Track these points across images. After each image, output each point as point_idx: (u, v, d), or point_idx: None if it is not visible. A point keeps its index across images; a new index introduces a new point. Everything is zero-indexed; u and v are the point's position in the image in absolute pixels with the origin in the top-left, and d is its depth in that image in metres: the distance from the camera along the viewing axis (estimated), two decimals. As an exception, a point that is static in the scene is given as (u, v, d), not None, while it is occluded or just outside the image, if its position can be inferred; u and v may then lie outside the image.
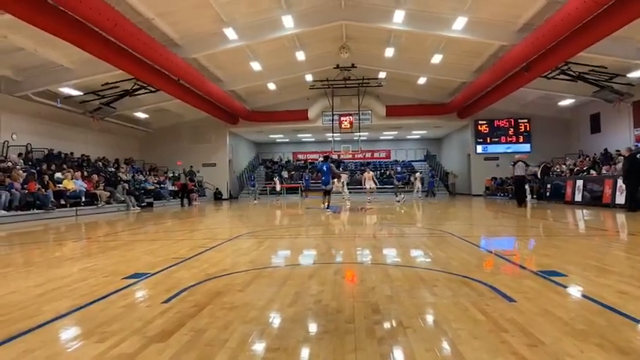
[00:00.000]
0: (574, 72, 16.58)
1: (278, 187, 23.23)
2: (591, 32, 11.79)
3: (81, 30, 11.35)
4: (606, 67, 16.13)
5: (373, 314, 2.76)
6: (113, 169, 20.35)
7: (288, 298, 3.22)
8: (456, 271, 4.06)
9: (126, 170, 20.89)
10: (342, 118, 25.91)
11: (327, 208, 13.41)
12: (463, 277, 3.76)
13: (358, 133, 26.34)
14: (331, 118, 25.74)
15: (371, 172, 19.97)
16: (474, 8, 14.38)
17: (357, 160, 34.18)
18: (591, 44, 12.56)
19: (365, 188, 19.70)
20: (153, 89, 17.92)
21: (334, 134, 26.26)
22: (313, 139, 35.09)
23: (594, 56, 14.95)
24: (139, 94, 18.62)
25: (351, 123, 25.90)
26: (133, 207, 17.05)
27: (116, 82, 17.43)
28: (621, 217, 10.19)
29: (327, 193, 14.01)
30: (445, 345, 2.26)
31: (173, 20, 14.71)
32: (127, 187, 17.99)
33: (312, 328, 2.58)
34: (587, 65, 16.02)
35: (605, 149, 18.82)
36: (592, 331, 2.35)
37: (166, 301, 3.14)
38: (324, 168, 14.05)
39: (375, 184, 20.12)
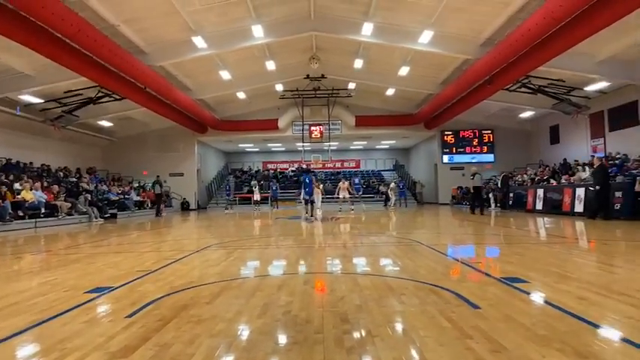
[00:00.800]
0: (534, 85, 17.27)
1: (258, 197, 22.85)
2: (550, 47, 12.33)
3: (42, 36, 10.97)
4: (564, 81, 16.88)
5: (342, 324, 2.77)
6: (75, 179, 19.66)
7: (256, 309, 3.19)
8: (423, 279, 4.12)
9: (88, 180, 20.22)
10: (312, 128, 26.02)
11: (311, 217, 14.40)
12: (430, 285, 3.82)
13: (328, 143, 26.49)
14: (301, 127, 25.79)
15: (346, 183, 20.61)
16: (439, 23, 14.80)
17: (327, 170, 34.31)
18: (550, 59, 13.12)
19: (339, 198, 20.03)
20: (118, 97, 17.48)
21: (304, 144, 26.32)
22: (283, 149, 35.02)
23: (553, 70, 15.63)
24: (103, 102, 18.11)
25: (321, 133, 26.04)
26: (96, 218, 16.50)
27: (79, 90, 16.90)
28: (580, 224, 10.62)
29: (311, 203, 14.81)
30: (412, 353, 2.28)
31: (140, 27, 14.45)
32: (89, 198, 17.39)
33: (281, 339, 2.56)
34: (547, 79, 16.73)
35: (565, 159, 19.63)
36: (553, 337, 2.43)
37: (130, 316, 3.05)
38: (307, 180, 14.82)
39: (350, 193, 20.46)
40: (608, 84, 16.56)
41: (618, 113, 17.34)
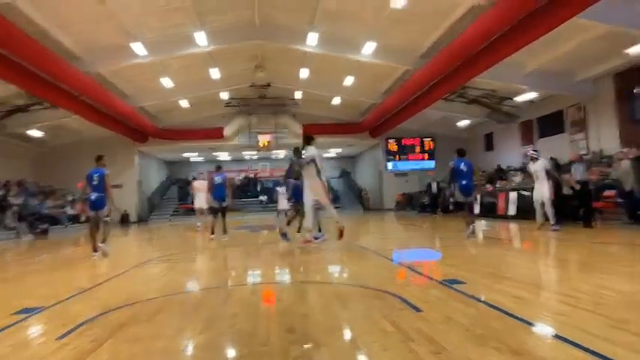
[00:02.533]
0: (470, 95, 18.24)
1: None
2: (484, 59, 13.05)
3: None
4: (496, 91, 17.96)
5: (288, 334, 2.74)
6: (2, 193, 18.19)
7: (199, 324, 3.09)
8: (368, 284, 4.18)
9: (17, 193, 18.78)
10: (259, 137, 25.82)
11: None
12: (375, 290, 3.88)
13: (276, 151, 26.38)
14: (247, 136, 25.52)
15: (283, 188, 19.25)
16: (381, 34, 15.23)
17: (275, 179, 34.13)
18: (483, 70, 13.89)
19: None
20: (49, 105, 16.44)
21: (251, 153, 26.03)
22: (230, 158, 34.43)
23: (487, 81, 16.56)
24: (33, 110, 16.97)
25: (268, 142, 25.90)
26: (25, 234, 15.35)
27: (6, 97, 15.74)
28: (514, 227, 11.26)
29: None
30: (358, 359, 2.30)
31: (73, 31, 13.68)
32: (18, 212, 16.14)
33: (225, 354, 2.49)
34: (481, 89, 17.72)
35: (499, 165, 20.79)
36: (490, 335, 2.54)
37: (61, 337, 2.85)
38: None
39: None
40: (536, 94, 17.78)
41: (546, 121, 18.64)
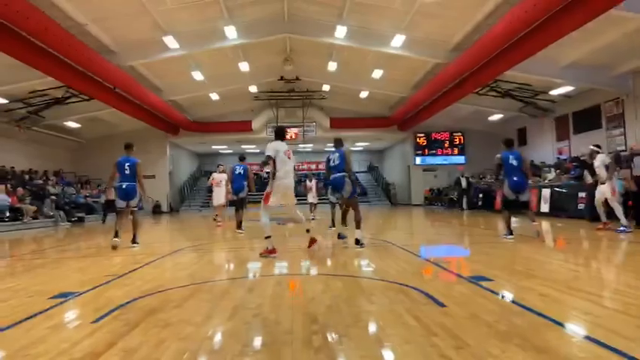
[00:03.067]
0: (502, 89, 17.77)
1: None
2: (517, 52, 12.69)
3: (6, 34, 10.58)
4: (531, 85, 17.44)
5: (311, 324, 2.79)
6: (41, 182, 19.02)
7: (226, 312, 3.18)
8: (393, 279, 4.19)
9: (55, 183, 19.60)
10: (287, 130, 25.97)
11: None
12: (399, 285, 3.89)
13: (303, 145, 26.48)
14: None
15: (313, 182, 16.15)
16: (410, 27, 15.05)
17: (302, 172, 34.32)
18: (516, 63, 13.51)
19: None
20: (86, 97, 17.03)
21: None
22: (257, 151, 34.80)
23: (520, 74, 16.11)
24: (70, 103, 17.61)
25: (295, 134, 26.04)
26: (63, 222, 16.01)
27: (45, 90, 16.39)
28: (546, 224, 10.97)
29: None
30: (379, 351, 2.33)
31: (108, 26, 14.11)
32: (55, 201, 16.86)
33: (249, 341, 2.56)
34: (514, 83, 17.25)
35: (532, 161, 20.22)
36: (514, 332, 2.52)
37: (96, 321, 2.99)
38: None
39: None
40: (572, 88, 17.19)
41: (582, 116, 17.99)
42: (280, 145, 6.02)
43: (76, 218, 17.38)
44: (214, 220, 13.16)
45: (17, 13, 9.94)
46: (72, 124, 22.28)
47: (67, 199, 18.33)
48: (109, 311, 3.23)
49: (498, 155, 7.62)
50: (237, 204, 10.31)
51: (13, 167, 18.58)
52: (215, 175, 13.52)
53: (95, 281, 4.46)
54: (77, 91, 16.42)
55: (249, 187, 10.32)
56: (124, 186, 7.42)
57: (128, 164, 7.47)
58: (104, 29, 14.18)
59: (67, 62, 13.06)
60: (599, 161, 8.46)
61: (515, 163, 7.29)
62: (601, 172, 8.41)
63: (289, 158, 6.07)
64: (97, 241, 9.91)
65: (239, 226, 10.00)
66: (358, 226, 6.92)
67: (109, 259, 6.37)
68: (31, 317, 3.14)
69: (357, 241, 6.75)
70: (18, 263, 6.58)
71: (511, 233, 7.39)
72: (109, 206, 16.41)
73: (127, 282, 4.45)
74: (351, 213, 7.66)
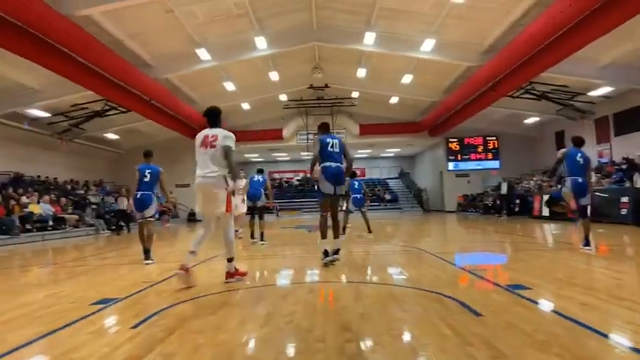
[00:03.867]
0: (538, 91, 17.26)
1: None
2: (553, 53, 12.33)
3: (49, 51, 11.16)
4: (568, 87, 16.87)
5: (344, 332, 2.78)
6: (82, 192, 19.82)
7: (259, 319, 3.21)
8: (426, 287, 4.13)
9: (95, 192, 20.38)
10: (316, 137, 26.07)
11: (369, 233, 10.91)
12: (433, 293, 3.83)
13: (332, 152, 26.47)
14: (306, 137, 25.90)
15: None
16: (441, 31, 14.90)
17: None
18: (553, 65, 13.11)
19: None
20: (124, 110, 17.69)
21: (309, 153, 26.39)
22: (288, 158, 35.12)
23: (557, 76, 15.63)
24: (109, 115, 18.33)
25: (325, 142, 26.08)
26: (103, 230, 16.60)
27: (85, 103, 17.13)
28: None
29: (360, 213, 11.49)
30: (413, 361, 2.30)
31: (144, 41, 14.66)
32: (96, 210, 17.52)
33: (283, 348, 2.58)
34: (550, 85, 16.73)
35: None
36: (553, 342, 2.44)
37: (135, 326, 3.09)
38: (356, 185, 11.22)
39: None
40: (612, 89, 16.52)
41: (624, 118, 17.24)
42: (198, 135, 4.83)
43: (115, 227, 17.97)
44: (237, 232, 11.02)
45: (59, 32, 10.48)
46: (111, 136, 23.20)
47: (106, 208, 18.99)
48: (147, 317, 3.33)
49: (563, 150, 6.78)
50: (254, 212, 9.73)
51: (55, 178, 19.46)
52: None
53: (134, 288, 4.60)
54: (116, 104, 17.09)
55: (268, 197, 9.79)
56: (138, 195, 6.98)
57: (149, 171, 7.07)
58: (141, 44, 14.73)
59: (106, 76, 13.64)
60: None
61: (581, 161, 6.51)
62: None
63: (206, 147, 4.66)
64: (135, 249, 10.22)
65: (252, 234, 9.62)
66: (338, 234, 6.16)
67: (146, 266, 6.55)
68: (73, 323, 3.26)
69: (337, 251, 5.89)
70: (61, 270, 6.86)
71: (588, 244, 6.46)
72: (121, 217, 16.53)
73: (163, 289, 4.57)
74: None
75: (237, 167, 5.06)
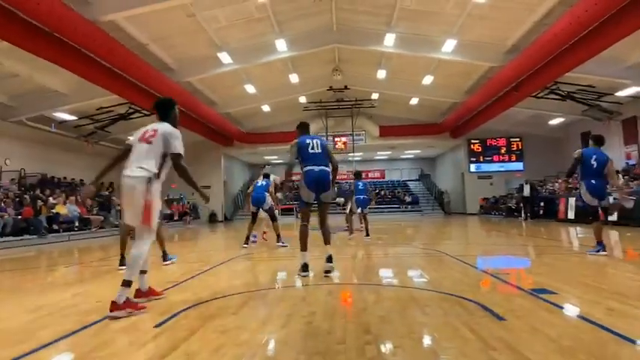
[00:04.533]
0: (563, 91, 16.89)
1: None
2: (578, 53, 12.05)
3: (76, 56, 11.49)
4: (594, 87, 16.46)
5: (364, 335, 2.78)
6: (107, 193, 20.27)
7: (280, 319, 3.23)
8: (448, 290, 4.08)
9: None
10: (336, 139, 26.13)
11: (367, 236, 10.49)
12: (455, 297, 3.79)
13: (352, 154, 26.51)
14: (325, 139, 25.91)
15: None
16: (462, 31, 14.74)
17: (350, 181, 34.32)
18: (578, 64, 12.82)
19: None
20: (147, 112, 18.04)
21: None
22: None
23: (582, 76, 15.27)
24: (133, 118, 18.73)
25: (345, 144, 26.11)
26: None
27: (110, 107, 17.56)
28: (614, 234, 10.26)
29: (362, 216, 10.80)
30: (434, 364, 2.28)
31: (167, 45, 14.95)
32: (120, 211, 17.87)
33: (303, 349, 2.59)
34: (576, 85, 16.35)
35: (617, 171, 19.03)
36: (579, 348, 2.39)
37: (159, 325, 3.15)
38: (360, 186, 10.68)
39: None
40: (640, 89, 16.06)
41: (652, 118, 16.75)
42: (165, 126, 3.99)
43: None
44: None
45: (85, 37, 10.78)
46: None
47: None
48: (170, 316, 3.39)
49: (580, 150, 6.58)
50: (254, 216, 9.37)
51: (82, 180, 19.97)
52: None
53: (157, 287, 4.67)
54: (139, 107, 17.44)
55: (273, 201, 9.41)
56: None
57: None
58: (164, 48, 15.03)
59: (130, 80, 13.95)
60: None
61: (594, 164, 6.30)
62: None
63: (141, 141, 3.94)
64: (158, 250, 10.38)
65: (247, 240, 9.24)
66: (328, 241, 5.54)
67: (169, 266, 6.67)
68: (99, 321, 3.34)
69: (329, 258, 5.33)
70: (87, 270, 7.04)
71: (604, 249, 6.28)
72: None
73: (186, 288, 4.65)
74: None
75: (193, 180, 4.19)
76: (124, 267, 6.30)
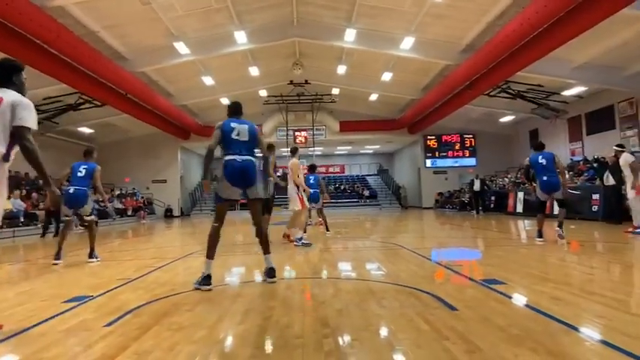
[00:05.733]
0: (513, 90, 17.64)
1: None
2: (528, 53, 12.59)
3: (20, 42, 10.79)
4: (542, 86, 17.29)
5: (322, 328, 2.79)
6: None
7: (237, 316, 3.19)
8: (404, 282, 4.17)
9: (67, 187, 19.84)
10: (296, 134, 26.06)
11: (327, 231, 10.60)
12: (410, 289, 3.87)
13: (312, 148, 26.54)
14: (285, 133, 25.81)
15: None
16: (420, 29, 15.04)
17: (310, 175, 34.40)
18: (528, 64, 13.40)
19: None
20: (99, 103, 17.27)
21: (287, 149, 26.31)
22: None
23: (532, 75, 16.00)
24: (83, 109, 17.87)
25: (305, 138, 26.10)
26: (76, 227, 16.18)
27: (59, 96, 16.66)
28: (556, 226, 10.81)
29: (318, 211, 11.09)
30: (390, 355, 2.32)
31: (120, 33, 14.33)
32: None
33: (260, 345, 2.57)
34: (526, 84, 17.12)
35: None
36: (527, 336, 2.49)
37: (109, 324, 3.03)
38: (313, 180, 10.67)
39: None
40: (585, 89, 17.01)
41: (595, 117, 17.78)
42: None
43: (87, 224, 17.55)
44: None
45: (31, 22, 10.15)
46: (85, 130, 22.61)
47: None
48: (121, 315, 3.27)
49: (527, 160, 7.48)
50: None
51: (27, 173, 18.87)
52: None
53: (108, 285, 4.51)
54: (90, 98, 16.67)
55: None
56: (71, 190, 6.55)
57: (84, 167, 6.72)
58: (117, 36, 14.40)
59: (79, 69, 13.27)
60: (624, 160, 8.40)
61: (544, 162, 7.04)
62: (625, 171, 8.36)
63: None
64: (109, 246, 10.02)
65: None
66: (268, 249, 4.62)
67: (121, 263, 6.44)
68: (45, 321, 3.18)
69: (271, 272, 4.47)
70: (32, 268, 6.68)
71: (541, 236, 7.25)
72: (50, 216, 13.89)
73: (139, 286, 4.49)
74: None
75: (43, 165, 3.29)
76: (59, 261, 6.33)
